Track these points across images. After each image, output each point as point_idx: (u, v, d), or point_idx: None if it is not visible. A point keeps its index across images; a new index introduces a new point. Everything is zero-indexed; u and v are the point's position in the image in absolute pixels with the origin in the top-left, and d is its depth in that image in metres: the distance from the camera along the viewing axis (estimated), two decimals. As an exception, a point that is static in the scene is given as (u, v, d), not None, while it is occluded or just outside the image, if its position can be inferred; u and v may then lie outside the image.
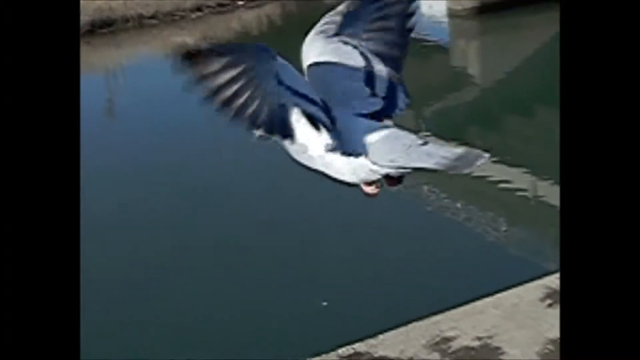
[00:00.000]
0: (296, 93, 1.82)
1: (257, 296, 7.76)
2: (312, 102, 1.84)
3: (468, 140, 11.09)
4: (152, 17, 22.80)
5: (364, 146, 1.88)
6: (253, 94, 1.79)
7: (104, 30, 21.92)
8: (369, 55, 2.09)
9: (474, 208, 9.76)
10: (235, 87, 1.78)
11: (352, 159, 1.89)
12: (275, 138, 1.84)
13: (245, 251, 8.82)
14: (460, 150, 1.86)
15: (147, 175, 11.55)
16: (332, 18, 2.21)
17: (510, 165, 10.60)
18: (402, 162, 1.86)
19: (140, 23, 22.58)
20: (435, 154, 1.85)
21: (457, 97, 15.03)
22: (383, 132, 1.92)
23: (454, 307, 4.84)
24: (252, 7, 24.60)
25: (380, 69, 2.08)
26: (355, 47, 2.10)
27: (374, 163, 1.88)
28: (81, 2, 21.67)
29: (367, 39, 2.11)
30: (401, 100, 2.11)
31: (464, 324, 4.57)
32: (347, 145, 1.88)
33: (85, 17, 21.66)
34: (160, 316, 7.65)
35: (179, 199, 10.46)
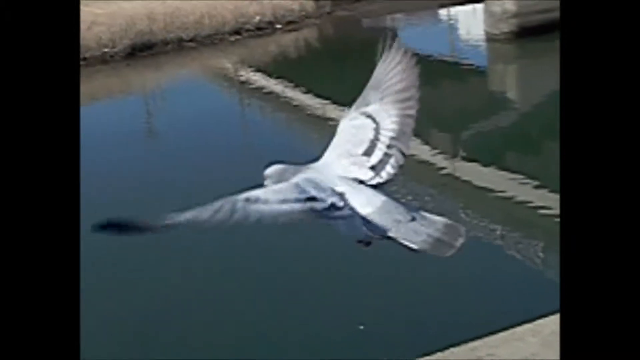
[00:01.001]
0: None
1: (299, 319, 7.77)
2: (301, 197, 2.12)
3: (506, 165, 11.04)
4: (192, 40, 23.09)
5: (360, 213, 2.17)
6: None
7: (144, 53, 22.23)
8: (380, 127, 2.37)
9: (513, 234, 9.68)
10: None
11: (348, 221, 2.17)
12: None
13: (285, 276, 8.84)
14: (444, 221, 2.19)
15: (182, 197, 11.63)
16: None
17: (550, 191, 10.51)
18: (391, 234, 2.16)
19: (179, 46, 22.88)
20: (422, 232, 2.17)
21: (495, 121, 14.96)
22: (378, 203, 2.22)
23: (492, 333, 4.80)
24: (290, 31, 24.79)
25: (384, 140, 2.37)
26: (370, 117, 2.37)
27: (368, 230, 2.17)
28: (123, 26, 22.07)
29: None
30: (391, 165, 2.37)
31: (502, 350, 4.52)
32: (345, 210, 2.17)
33: (126, 41, 22.01)
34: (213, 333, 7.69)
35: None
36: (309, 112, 16.51)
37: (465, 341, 4.75)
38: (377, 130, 2.36)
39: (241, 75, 21.31)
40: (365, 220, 2.18)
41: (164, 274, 9.07)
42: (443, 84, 18.13)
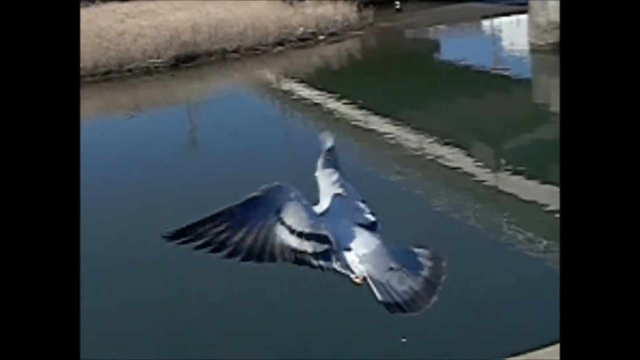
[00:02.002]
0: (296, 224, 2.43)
1: (342, 330, 7.77)
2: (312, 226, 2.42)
3: (550, 178, 10.91)
4: (235, 51, 23.29)
5: (357, 253, 2.46)
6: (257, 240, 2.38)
7: (188, 64, 22.48)
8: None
9: (557, 247, 9.58)
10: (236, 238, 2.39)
11: (345, 260, 2.45)
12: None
13: (328, 287, 8.84)
14: (430, 254, 2.52)
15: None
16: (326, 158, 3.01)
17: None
18: (378, 278, 2.42)
19: (223, 57, 23.09)
20: (405, 281, 2.43)
21: (539, 134, 14.82)
22: (373, 245, 2.48)
23: (537, 348, 4.77)
24: (333, 42, 24.88)
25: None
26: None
27: (363, 270, 2.45)
28: (168, 38, 22.35)
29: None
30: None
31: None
32: (344, 248, 2.46)
33: (170, 52, 22.29)
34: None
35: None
36: (351, 123, 16.53)
37: (508, 356, 4.72)
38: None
39: (284, 86, 21.43)
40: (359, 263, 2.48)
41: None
42: (486, 95, 18.04)
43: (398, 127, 15.25)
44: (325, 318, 7.99)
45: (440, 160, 13.10)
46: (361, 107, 17.04)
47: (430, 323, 7.82)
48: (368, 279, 2.43)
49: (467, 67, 21.02)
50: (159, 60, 22.19)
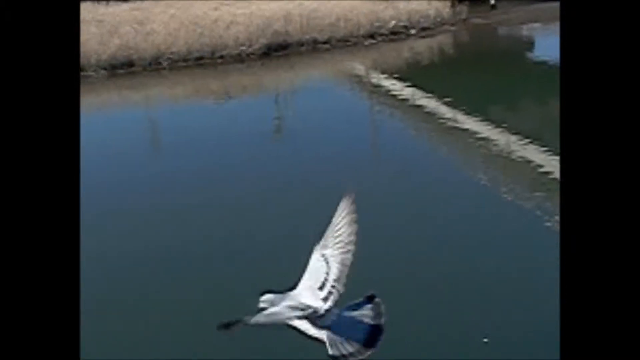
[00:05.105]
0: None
1: (427, 330, 7.74)
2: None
3: None
4: (326, 42, 23.35)
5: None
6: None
7: (279, 53, 22.66)
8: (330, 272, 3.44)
9: None
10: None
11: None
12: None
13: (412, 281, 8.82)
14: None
15: (302, 198, 11.78)
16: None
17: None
18: (335, 338, 3.21)
19: (314, 47, 23.18)
20: (358, 334, 3.21)
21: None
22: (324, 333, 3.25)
23: None
24: (424, 37, 24.67)
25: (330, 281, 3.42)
26: (326, 261, 3.45)
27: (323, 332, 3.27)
28: (260, 26, 22.58)
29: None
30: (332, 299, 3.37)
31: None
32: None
33: (262, 40, 22.52)
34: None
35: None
36: (439, 119, 16.39)
37: None
38: (327, 273, 3.37)
39: (373, 79, 21.38)
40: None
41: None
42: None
43: (487, 126, 15.03)
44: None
45: (528, 163, 12.88)
46: (450, 105, 16.86)
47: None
48: (326, 339, 3.18)
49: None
50: (250, 49, 22.43)
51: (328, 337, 3.21)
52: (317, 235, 3.50)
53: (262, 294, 3.29)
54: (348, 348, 3.17)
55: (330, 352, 3.17)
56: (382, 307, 3.27)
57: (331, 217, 3.41)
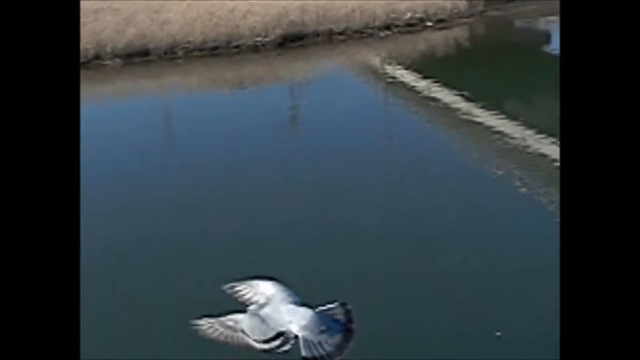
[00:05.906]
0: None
1: (439, 325, 7.75)
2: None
3: None
4: (342, 33, 23.29)
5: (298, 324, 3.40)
6: None
7: (295, 44, 22.62)
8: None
9: None
10: None
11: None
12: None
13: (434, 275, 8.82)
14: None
15: (316, 189, 11.78)
16: None
17: None
18: (311, 339, 3.30)
19: (329, 38, 23.13)
20: (334, 337, 3.34)
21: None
22: (308, 316, 3.41)
23: None
24: (440, 29, 24.56)
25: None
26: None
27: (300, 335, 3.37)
28: (276, 16, 22.55)
29: None
30: None
31: None
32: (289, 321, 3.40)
33: (278, 31, 22.49)
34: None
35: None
36: (454, 112, 16.34)
37: None
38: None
39: (388, 71, 21.33)
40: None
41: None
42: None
43: (502, 120, 14.97)
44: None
45: (544, 157, 12.82)
46: (465, 97, 16.80)
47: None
48: (300, 340, 3.26)
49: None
50: (266, 39, 22.41)
51: (302, 338, 3.27)
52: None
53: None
54: (320, 350, 3.23)
55: (304, 353, 3.24)
56: (353, 314, 3.37)
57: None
